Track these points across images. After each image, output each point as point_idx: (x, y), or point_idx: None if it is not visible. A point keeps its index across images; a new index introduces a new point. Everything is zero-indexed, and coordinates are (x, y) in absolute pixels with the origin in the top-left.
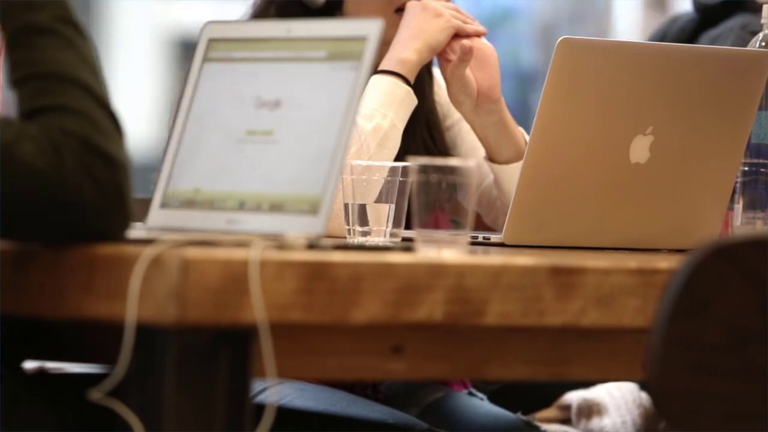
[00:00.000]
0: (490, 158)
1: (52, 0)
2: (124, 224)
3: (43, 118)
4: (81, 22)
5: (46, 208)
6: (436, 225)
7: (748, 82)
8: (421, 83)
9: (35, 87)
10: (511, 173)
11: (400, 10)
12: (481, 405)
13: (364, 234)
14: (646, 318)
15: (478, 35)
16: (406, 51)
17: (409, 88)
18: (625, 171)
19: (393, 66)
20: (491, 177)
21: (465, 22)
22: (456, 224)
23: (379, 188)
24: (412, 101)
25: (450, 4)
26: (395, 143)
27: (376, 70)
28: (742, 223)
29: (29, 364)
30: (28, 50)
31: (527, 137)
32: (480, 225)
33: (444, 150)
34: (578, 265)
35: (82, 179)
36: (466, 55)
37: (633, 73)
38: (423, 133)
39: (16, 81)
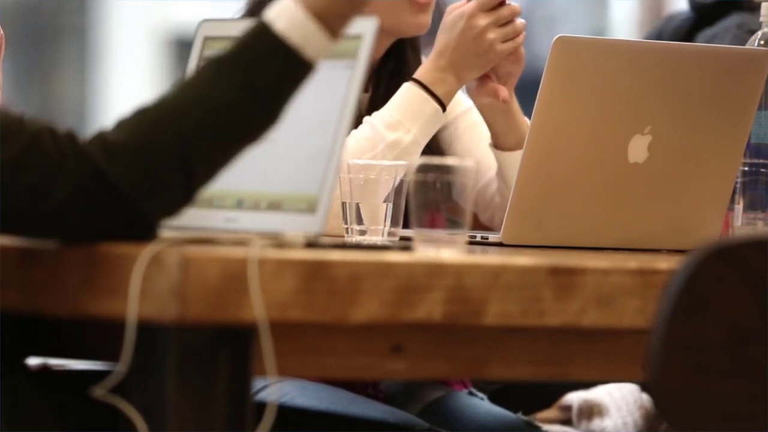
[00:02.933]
0: (495, 144)
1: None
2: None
3: None
4: None
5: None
6: (432, 224)
7: (747, 81)
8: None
9: None
10: (513, 161)
11: None
12: (481, 405)
13: (362, 233)
14: (646, 318)
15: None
16: (450, 74)
17: (440, 108)
18: (624, 171)
19: (432, 83)
20: (488, 176)
21: (507, 34)
22: (453, 223)
23: (378, 187)
24: (440, 120)
25: (502, 13)
26: (414, 159)
27: (411, 78)
28: (743, 224)
29: (32, 361)
30: None
31: None
32: (477, 224)
33: (437, 150)
34: (578, 265)
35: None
36: (503, 100)
37: (630, 72)
38: None
39: None
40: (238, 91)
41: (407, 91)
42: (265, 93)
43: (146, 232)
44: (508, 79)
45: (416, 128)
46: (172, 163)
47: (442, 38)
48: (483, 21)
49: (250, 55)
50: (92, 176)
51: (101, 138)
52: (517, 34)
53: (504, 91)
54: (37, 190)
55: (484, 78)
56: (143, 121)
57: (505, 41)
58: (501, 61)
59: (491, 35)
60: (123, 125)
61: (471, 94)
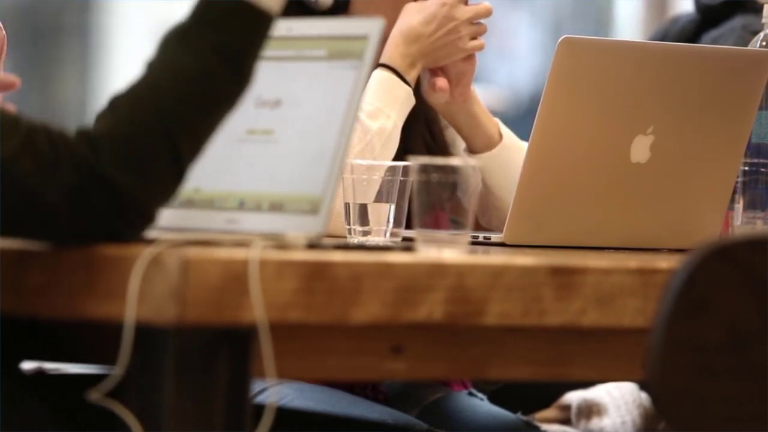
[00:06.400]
0: (469, 149)
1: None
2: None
3: None
4: None
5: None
6: (436, 225)
7: (748, 81)
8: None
9: None
10: (484, 163)
11: None
12: (481, 405)
13: (365, 234)
14: (646, 318)
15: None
16: (420, 60)
17: (410, 89)
18: (626, 171)
19: (405, 70)
20: None
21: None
22: (456, 224)
23: (380, 188)
24: (412, 102)
25: (479, 10)
26: (395, 144)
27: (380, 64)
28: (743, 223)
29: (27, 365)
30: None
31: (502, 127)
32: (477, 227)
33: (444, 147)
34: (578, 265)
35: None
36: (439, 89)
37: (634, 72)
38: (422, 130)
39: None
40: (207, 54)
41: (381, 78)
42: (233, 52)
43: (143, 224)
44: (461, 79)
45: (395, 113)
46: (157, 143)
47: (416, 20)
48: (462, 14)
49: (210, 16)
50: (85, 174)
51: (84, 134)
52: (483, 33)
53: (441, 81)
54: (32, 192)
55: (432, 72)
56: (121, 106)
57: (471, 39)
58: (455, 60)
59: (464, 30)
60: (102, 116)
61: (423, 92)
